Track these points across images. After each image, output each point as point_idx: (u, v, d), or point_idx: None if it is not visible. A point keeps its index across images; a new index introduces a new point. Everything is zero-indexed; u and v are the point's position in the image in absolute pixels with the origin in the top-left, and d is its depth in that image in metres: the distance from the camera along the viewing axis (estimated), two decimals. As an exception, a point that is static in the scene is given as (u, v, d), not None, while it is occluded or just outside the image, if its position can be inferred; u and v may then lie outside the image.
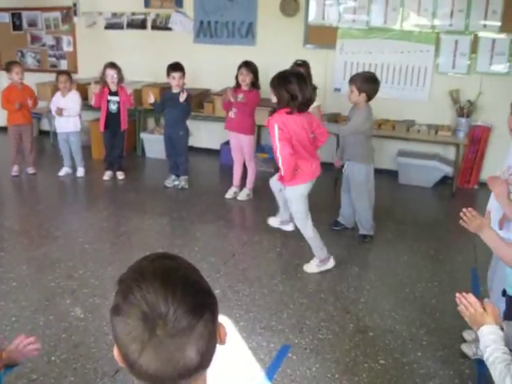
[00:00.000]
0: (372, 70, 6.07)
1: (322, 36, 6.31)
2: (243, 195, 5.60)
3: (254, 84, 5.31)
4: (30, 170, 6.33)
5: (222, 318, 3.00)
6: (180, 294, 0.89)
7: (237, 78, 5.31)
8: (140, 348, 0.88)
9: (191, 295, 0.90)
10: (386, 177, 6.17)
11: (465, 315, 1.91)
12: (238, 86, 5.34)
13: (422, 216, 5.28)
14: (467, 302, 1.89)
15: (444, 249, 4.54)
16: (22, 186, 6.21)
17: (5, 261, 4.16)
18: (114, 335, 0.92)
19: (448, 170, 6.00)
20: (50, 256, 4.24)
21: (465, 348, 3.09)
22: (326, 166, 6.30)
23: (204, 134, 7.23)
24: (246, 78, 5.24)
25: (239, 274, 4.05)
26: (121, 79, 5.83)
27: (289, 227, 4.51)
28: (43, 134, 8.22)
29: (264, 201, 5.46)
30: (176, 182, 5.97)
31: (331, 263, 4.08)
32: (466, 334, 3.18)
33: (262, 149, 6.65)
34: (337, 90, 6.29)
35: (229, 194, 5.66)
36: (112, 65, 5.77)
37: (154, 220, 5.05)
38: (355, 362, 3.01)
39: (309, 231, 3.96)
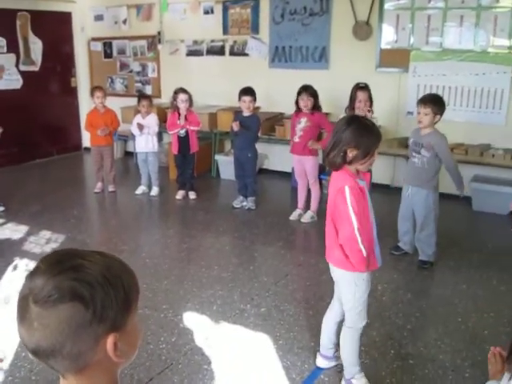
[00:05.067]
0: (446, 93, 5.95)
1: (395, 59, 6.25)
2: (307, 217, 5.61)
3: (315, 107, 5.37)
4: (110, 188, 6.72)
5: (261, 336, 3.02)
6: (58, 272, 0.95)
7: (297, 103, 5.39)
8: (16, 308, 0.98)
9: (68, 278, 0.95)
10: (459, 203, 5.94)
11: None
12: (299, 110, 5.41)
13: (491, 244, 5.02)
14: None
15: (508, 280, 4.29)
16: (100, 203, 6.58)
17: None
18: None
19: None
20: (112, 268, 4.47)
21: None
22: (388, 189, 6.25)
23: (277, 157, 7.33)
24: (307, 103, 5.31)
25: (288, 294, 4.06)
26: (190, 104, 6.06)
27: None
28: (128, 154, 8.70)
29: (328, 224, 5.46)
30: (244, 203, 6.08)
31: None
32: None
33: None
34: (409, 113, 6.16)
35: (293, 216, 5.69)
36: (182, 90, 6.02)
37: (215, 239, 5.18)
38: (388, 388, 2.93)
39: None
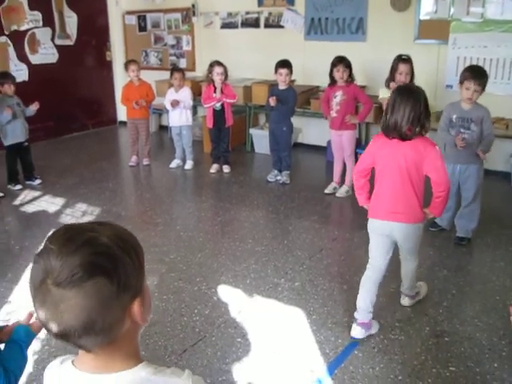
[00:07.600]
0: (487, 65, 5.75)
1: (434, 30, 6.06)
2: (342, 192, 5.56)
3: (349, 78, 5.33)
4: (145, 161, 6.77)
5: (295, 310, 3.02)
6: (74, 250, 0.92)
7: (331, 75, 5.31)
8: (33, 294, 0.96)
9: (87, 254, 0.93)
10: (498, 179, 5.81)
11: None
12: (333, 82, 5.34)
13: (531, 222, 4.90)
14: None
15: (549, 257, 4.19)
16: (135, 176, 6.64)
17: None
18: None
19: None
20: (147, 241, 4.50)
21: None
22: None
23: (311, 131, 7.25)
24: (343, 75, 5.23)
25: (322, 268, 4.04)
26: (226, 77, 6.02)
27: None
28: (163, 128, 8.74)
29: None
30: (278, 177, 6.05)
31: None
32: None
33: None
34: (448, 86, 6.00)
35: (328, 190, 5.64)
36: (218, 63, 5.97)
37: (250, 212, 5.17)
38: (423, 366, 2.90)
39: None
